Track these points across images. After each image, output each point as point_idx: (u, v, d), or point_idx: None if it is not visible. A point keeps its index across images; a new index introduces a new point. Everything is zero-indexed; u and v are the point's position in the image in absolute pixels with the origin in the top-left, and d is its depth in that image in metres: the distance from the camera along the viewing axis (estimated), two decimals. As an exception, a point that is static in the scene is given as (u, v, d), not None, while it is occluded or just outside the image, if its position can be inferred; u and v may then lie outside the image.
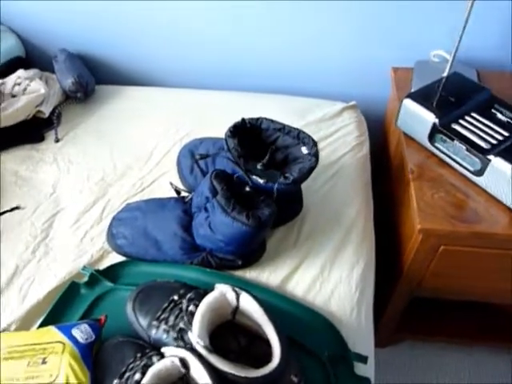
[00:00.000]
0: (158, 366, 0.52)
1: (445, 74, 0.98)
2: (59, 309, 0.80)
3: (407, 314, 1.05)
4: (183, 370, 0.52)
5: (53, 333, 0.70)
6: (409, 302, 0.98)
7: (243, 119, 0.82)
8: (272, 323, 0.57)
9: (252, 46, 1.19)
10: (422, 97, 0.87)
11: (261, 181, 0.77)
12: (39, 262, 0.86)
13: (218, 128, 0.92)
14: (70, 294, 0.81)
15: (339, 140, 1.05)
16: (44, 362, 0.66)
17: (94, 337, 0.70)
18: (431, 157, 0.87)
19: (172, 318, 0.67)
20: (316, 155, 0.78)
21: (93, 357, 0.69)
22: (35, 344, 0.68)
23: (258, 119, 0.82)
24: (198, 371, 0.52)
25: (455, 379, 1.15)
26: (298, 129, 0.80)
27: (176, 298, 0.71)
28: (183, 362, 0.53)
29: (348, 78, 1.20)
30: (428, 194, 0.81)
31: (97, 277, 0.82)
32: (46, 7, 1.18)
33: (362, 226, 0.89)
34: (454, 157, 0.82)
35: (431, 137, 0.85)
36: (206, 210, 0.76)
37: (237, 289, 0.58)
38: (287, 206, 0.84)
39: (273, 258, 0.84)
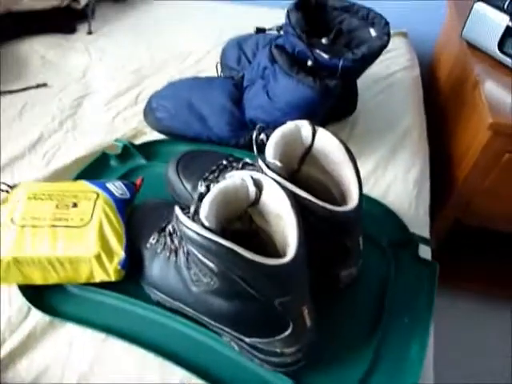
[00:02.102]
0: (225, 183, 0.45)
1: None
2: (86, 177, 0.72)
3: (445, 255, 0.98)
4: (254, 190, 0.45)
5: (85, 184, 0.62)
6: (452, 229, 0.91)
7: (308, -6, 0.75)
8: (352, 163, 0.50)
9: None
10: (495, 2, 0.82)
11: (325, 56, 0.70)
12: (66, 133, 0.79)
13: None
14: (100, 164, 0.73)
15: (391, 59, 1.00)
16: (75, 206, 0.58)
17: (128, 195, 0.63)
18: (500, 66, 0.82)
19: (224, 174, 0.59)
20: (387, 34, 0.71)
21: (127, 214, 0.61)
22: (65, 190, 0.60)
23: (323, -5, 0.76)
24: (272, 193, 0.45)
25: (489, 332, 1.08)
26: (367, 8, 0.74)
27: (225, 162, 0.63)
28: (256, 182, 0.46)
29: (400, 7, 1.14)
30: (497, 95, 0.76)
31: (131, 150, 0.75)
32: None
33: (416, 134, 0.83)
34: (528, 61, 0.77)
35: (502, 42, 0.80)
36: (263, 79, 0.70)
37: (315, 124, 0.51)
38: (344, 98, 0.77)
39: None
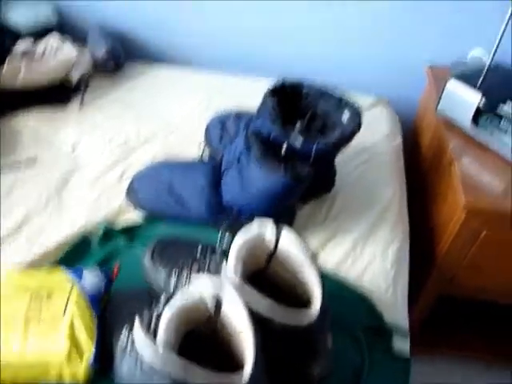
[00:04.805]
0: (183, 301, 0.45)
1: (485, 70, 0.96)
2: (68, 261, 0.74)
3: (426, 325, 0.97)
4: (213, 307, 0.45)
5: (62, 274, 0.63)
6: (437, 301, 0.91)
7: (283, 80, 0.79)
8: (314, 267, 0.51)
9: (290, 38, 1.19)
10: (467, 79, 0.84)
11: (299, 142, 0.72)
12: (51, 213, 0.81)
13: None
14: (81, 248, 0.75)
15: (372, 129, 1.02)
16: (49, 297, 0.59)
17: (104, 283, 0.64)
18: (473, 141, 0.84)
19: (196, 266, 0.61)
20: (359, 120, 0.74)
21: (102, 305, 0.62)
22: (42, 280, 0.62)
23: (299, 82, 0.79)
24: (231, 309, 0.45)
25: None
26: (340, 95, 0.77)
27: (199, 253, 0.65)
28: (215, 298, 0.46)
29: (381, 75, 1.18)
30: (472, 173, 0.77)
31: (112, 232, 0.77)
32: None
33: (396, 208, 0.84)
34: (501, 138, 0.79)
35: (475, 119, 0.82)
36: (238, 163, 0.72)
37: (280, 224, 0.52)
38: (320, 179, 0.79)
39: (301, 231, 0.78)
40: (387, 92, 1.16)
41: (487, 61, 0.97)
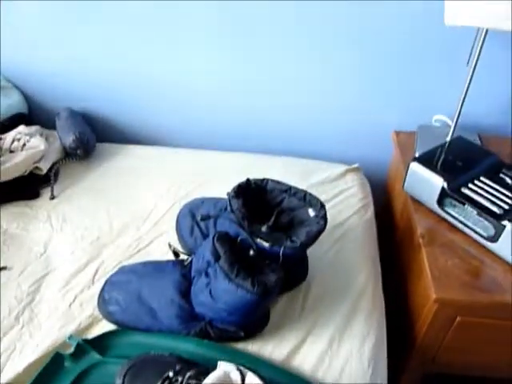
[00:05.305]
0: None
1: (448, 139, 0.98)
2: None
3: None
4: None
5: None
6: (421, 378, 0.90)
7: (248, 179, 0.79)
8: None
9: (256, 109, 1.20)
10: (429, 160, 0.86)
11: (266, 244, 0.72)
12: (22, 329, 0.79)
13: (220, 189, 0.89)
14: (53, 367, 0.73)
15: (343, 202, 1.03)
16: None
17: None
18: (441, 221, 0.84)
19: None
20: (324, 218, 0.74)
21: None
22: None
23: (263, 180, 0.80)
24: None
25: None
26: (304, 190, 0.78)
27: (171, 374, 0.64)
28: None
29: (350, 141, 1.20)
30: (441, 260, 0.77)
31: (84, 347, 0.75)
32: (50, 65, 1.20)
33: (371, 294, 0.84)
34: (466, 222, 0.80)
35: (440, 201, 0.83)
36: (207, 275, 0.71)
37: (242, 368, 0.52)
38: (292, 272, 0.79)
39: (277, 329, 0.77)
40: (359, 156, 1.18)
41: (450, 124, 1.00)
